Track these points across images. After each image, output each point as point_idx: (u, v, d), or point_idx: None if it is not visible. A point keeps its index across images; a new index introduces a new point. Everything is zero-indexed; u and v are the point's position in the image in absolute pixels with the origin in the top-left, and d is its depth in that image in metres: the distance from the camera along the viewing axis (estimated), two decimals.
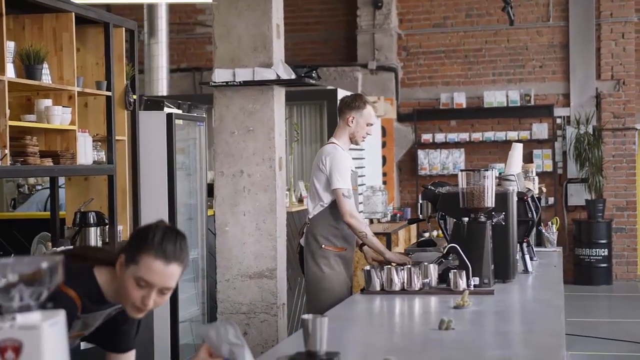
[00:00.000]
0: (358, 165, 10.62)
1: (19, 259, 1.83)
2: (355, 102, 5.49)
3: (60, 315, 1.84)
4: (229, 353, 2.70)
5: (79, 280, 2.72)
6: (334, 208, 5.36)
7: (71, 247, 4.76)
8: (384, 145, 12.91)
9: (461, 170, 4.62)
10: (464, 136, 13.33)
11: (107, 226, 5.79)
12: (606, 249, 12.76)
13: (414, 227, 11.71)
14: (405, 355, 2.94)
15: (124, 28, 6.11)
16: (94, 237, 5.62)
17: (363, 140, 5.60)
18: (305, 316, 2.81)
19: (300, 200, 8.42)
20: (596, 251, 12.74)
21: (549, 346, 3.14)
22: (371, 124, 5.53)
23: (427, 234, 12.64)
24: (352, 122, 5.46)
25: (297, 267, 7.52)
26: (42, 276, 1.81)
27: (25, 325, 1.78)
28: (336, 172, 5.30)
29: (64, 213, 6.02)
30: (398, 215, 11.27)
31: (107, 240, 5.81)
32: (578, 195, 13.11)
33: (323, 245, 5.38)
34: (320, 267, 5.37)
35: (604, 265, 12.78)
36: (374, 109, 5.61)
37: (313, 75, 6.35)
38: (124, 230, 6.07)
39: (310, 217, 5.48)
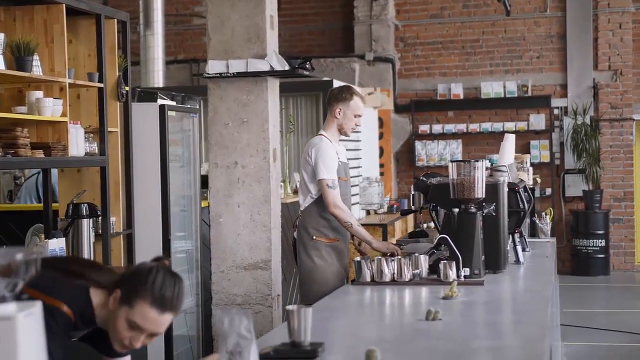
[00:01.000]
0: (354, 157, 10.63)
1: None
2: (342, 93, 5.50)
3: (36, 307, 1.84)
4: (234, 345, 2.71)
5: (76, 300, 2.71)
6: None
7: (65, 257, 4.61)
8: (381, 136, 12.91)
9: (452, 161, 4.62)
10: (462, 127, 13.33)
11: (99, 218, 5.79)
12: (603, 240, 12.77)
13: (410, 218, 11.72)
14: (390, 345, 2.95)
15: (115, 19, 6.10)
16: (87, 228, 5.62)
17: (353, 131, 5.61)
18: (290, 307, 2.82)
19: (296, 192, 8.42)
20: (593, 242, 12.75)
21: (533, 336, 3.15)
22: (359, 115, 5.52)
23: (424, 225, 12.65)
24: (339, 114, 5.47)
25: (292, 259, 7.54)
26: (17, 268, 1.82)
27: (0, 316, 1.78)
28: (320, 163, 5.32)
29: (57, 205, 6.02)
30: (395, 206, 11.27)
31: (99, 232, 5.81)
32: (575, 186, 13.11)
33: (314, 237, 5.40)
34: (312, 259, 5.38)
35: (602, 256, 12.79)
36: (362, 100, 5.59)
37: (307, 66, 6.35)
38: (116, 222, 6.08)
39: (302, 209, 5.50)
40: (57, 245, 5.02)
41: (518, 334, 3.28)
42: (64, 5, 5.38)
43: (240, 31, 6.09)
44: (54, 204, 6.00)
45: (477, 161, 4.57)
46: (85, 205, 5.64)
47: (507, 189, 4.96)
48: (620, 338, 8.68)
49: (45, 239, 5.45)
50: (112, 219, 5.95)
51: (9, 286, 1.81)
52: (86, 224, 5.62)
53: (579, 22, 13.10)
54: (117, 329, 2.69)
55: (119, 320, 2.67)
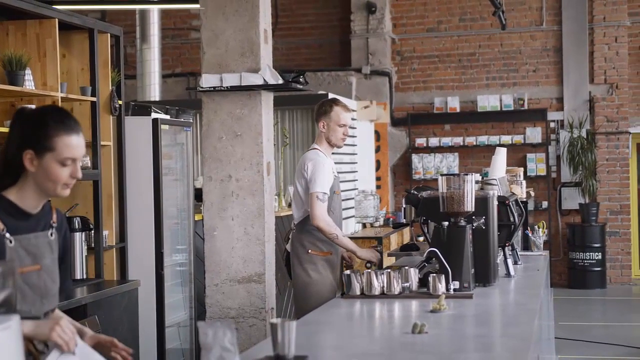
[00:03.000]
0: (350, 170, 10.66)
1: None
2: (322, 107, 5.66)
3: (14, 320, 1.85)
4: (217, 357, 2.72)
5: None
6: None
7: None
8: (378, 149, 12.94)
9: (441, 175, 4.64)
10: (458, 140, 13.35)
11: (92, 231, 5.80)
12: (600, 253, 12.77)
13: (407, 231, 11.72)
14: (375, 358, 2.95)
15: (109, 34, 6.13)
16: (79, 242, 5.63)
17: (343, 141, 5.66)
18: (273, 320, 2.83)
19: (290, 205, 8.42)
20: (590, 255, 12.75)
21: (516, 349, 3.16)
22: (343, 125, 5.59)
23: (421, 238, 12.65)
24: (324, 127, 5.60)
25: (286, 272, 7.55)
26: None
27: None
28: (315, 177, 5.40)
29: None
30: (391, 219, 11.27)
31: (92, 245, 5.82)
32: (572, 199, 13.12)
33: (310, 251, 5.43)
34: (307, 273, 5.40)
35: (598, 269, 12.79)
36: (345, 109, 5.66)
37: (300, 80, 6.36)
38: (109, 235, 6.09)
39: (296, 222, 5.55)
40: None
41: (503, 347, 3.28)
42: (57, 19, 5.41)
43: (234, 45, 6.11)
44: None
45: (467, 174, 4.59)
46: (78, 218, 5.66)
47: (498, 202, 4.97)
48: (617, 351, 8.67)
49: None
50: (105, 233, 5.97)
51: None
52: (78, 238, 5.63)
53: (575, 35, 13.14)
54: (53, 177, 2.77)
55: (51, 169, 2.77)
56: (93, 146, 5.84)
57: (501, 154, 5.76)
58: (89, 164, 5.81)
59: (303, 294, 5.39)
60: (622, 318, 10.81)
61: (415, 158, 13.47)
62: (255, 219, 6.08)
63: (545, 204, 13.08)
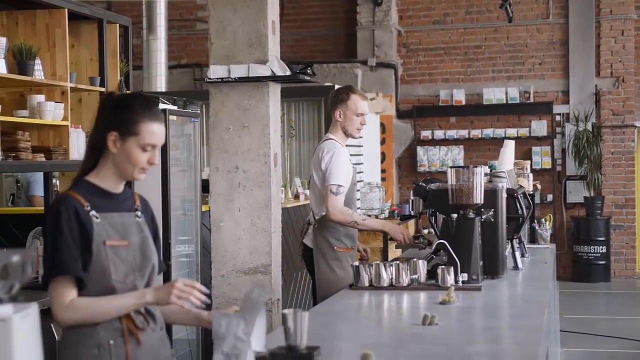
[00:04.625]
0: (356, 162, 10.65)
1: None
2: (339, 95, 5.48)
3: (32, 308, 1.86)
4: (231, 347, 2.73)
5: (74, 187, 2.97)
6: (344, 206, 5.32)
7: None
8: (383, 141, 12.94)
9: (450, 167, 4.63)
10: (463, 133, 13.35)
11: None
12: (604, 246, 12.77)
13: (412, 223, 11.72)
14: (385, 350, 2.96)
15: (117, 24, 6.13)
16: None
17: (359, 132, 5.51)
18: (286, 311, 2.83)
19: (297, 197, 8.44)
20: (594, 248, 12.75)
21: (528, 341, 3.16)
22: (361, 114, 5.44)
23: (425, 231, 12.65)
24: (340, 116, 5.44)
25: (292, 264, 7.56)
26: (13, 270, 1.84)
27: None
28: (333, 168, 5.26)
29: None
30: (396, 211, 11.26)
31: None
32: (577, 193, 13.12)
33: (335, 247, 5.33)
34: (332, 269, 5.29)
35: (602, 262, 12.79)
36: (363, 98, 5.50)
37: (308, 71, 6.35)
38: None
39: (317, 217, 5.40)
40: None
41: (513, 339, 3.29)
42: (66, 10, 5.41)
43: (242, 36, 6.11)
44: None
45: (476, 167, 4.58)
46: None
47: (506, 195, 4.97)
48: (621, 344, 8.68)
49: None
50: None
51: (5, 288, 1.83)
52: None
53: (581, 29, 13.12)
54: (133, 160, 2.93)
55: (132, 152, 2.92)
56: None
57: (509, 147, 5.76)
58: None
59: (328, 290, 5.25)
60: (626, 311, 10.83)
61: (420, 150, 13.47)
62: (262, 211, 6.08)
63: (550, 197, 13.08)
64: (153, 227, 3.14)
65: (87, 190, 2.95)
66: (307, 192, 8.65)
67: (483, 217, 4.62)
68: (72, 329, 2.92)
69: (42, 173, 6.15)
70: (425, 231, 11.73)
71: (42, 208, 6.16)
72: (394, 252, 9.23)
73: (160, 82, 10.67)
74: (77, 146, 5.47)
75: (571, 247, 13.06)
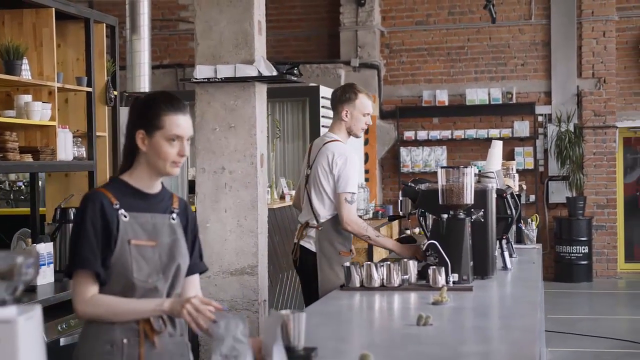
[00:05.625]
0: None
1: None
2: (346, 93, 5.29)
3: (36, 310, 1.84)
4: (230, 348, 2.72)
5: (107, 184, 3.05)
6: None
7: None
8: (366, 142, 12.95)
9: (441, 167, 4.63)
10: (446, 134, 13.37)
11: None
12: (586, 246, 12.84)
13: (395, 224, 11.74)
14: (382, 350, 2.96)
15: (104, 24, 6.10)
16: None
17: (363, 131, 5.40)
18: (284, 312, 2.82)
19: (282, 197, 8.43)
20: (577, 248, 12.82)
21: (523, 341, 3.17)
22: (367, 114, 5.30)
23: (407, 231, 12.67)
24: (346, 115, 5.27)
25: (277, 265, 7.54)
26: (18, 271, 1.82)
27: (1, 319, 1.78)
28: (345, 175, 5.11)
29: (44, 209, 6.00)
30: (380, 212, 11.28)
31: None
32: (559, 193, 13.18)
33: (341, 252, 5.21)
34: (337, 274, 5.10)
35: (585, 262, 12.86)
36: (368, 96, 5.35)
37: (294, 72, 6.35)
38: None
39: (322, 220, 5.22)
40: (45, 250, 4.99)
41: (508, 339, 3.29)
42: (54, 9, 5.37)
43: (229, 36, 6.10)
44: (41, 209, 5.98)
45: (466, 167, 4.59)
46: (73, 209, 5.62)
47: (496, 196, 4.98)
48: (604, 344, 8.73)
49: (32, 243, 5.42)
50: None
51: (9, 289, 1.81)
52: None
53: (563, 30, 13.19)
54: (162, 154, 2.96)
55: (160, 146, 2.96)
56: (89, 137, 5.81)
57: (497, 147, 5.77)
58: (85, 155, 5.78)
59: None
60: (609, 311, 10.89)
61: (403, 151, 13.49)
62: (248, 211, 6.07)
63: (532, 198, 13.13)
64: (192, 229, 3.16)
65: (119, 189, 2.99)
66: (292, 192, 8.65)
67: (473, 217, 4.62)
68: (92, 324, 2.96)
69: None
70: (408, 231, 11.76)
71: (27, 209, 6.11)
72: (379, 253, 9.24)
73: (143, 82, 10.61)
74: (65, 147, 5.43)
75: (554, 247, 13.11)
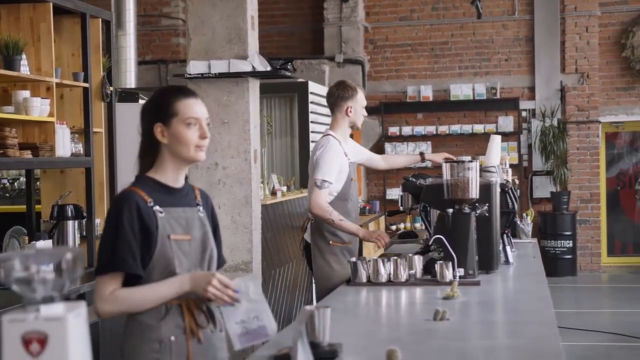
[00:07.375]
0: None
1: (41, 250, 1.80)
2: (346, 91, 5.48)
3: (83, 307, 1.81)
4: (246, 313, 2.71)
5: (137, 183, 3.00)
6: (339, 201, 5.30)
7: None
8: (350, 137, 12.90)
9: (445, 162, 4.62)
10: (431, 129, 13.38)
11: (84, 219, 5.71)
12: (571, 241, 12.91)
13: (382, 219, 11.75)
14: (406, 345, 2.94)
15: (100, 19, 6.04)
16: (72, 230, 5.54)
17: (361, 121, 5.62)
18: (309, 307, 2.80)
19: (274, 193, 8.40)
20: (561, 243, 12.88)
21: (546, 336, 3.17)
22: (364, 106, 5.60)
23: (394, 227, 12.69)
24: (350, 111, 5.47)
25: (270, 261, 7.51)
26: (66, 267, 1.79)
27: (50, 316, 1.76)
28: (321, 163, 5.25)
29: (40, 207, 5.93)
30: (367, 208, 11.29)
31: (84, 233, 5.74)
32: (543, 188, 13.24)
33: (331, 242, 5.33)
34: (329, 264, 5.29)
35: (569, 256, 12.93)
36: (361, 89, 5.64)
37: (288, 67, 6.33)
38: (101, 224, 6.00)
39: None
40: (44, 247, 4.94)
41: (529, 333, 3.28)
42: (51, 4, 5.31)
43: (221, 31, 6.07)
44: (36, 206, 5.91)
45: (471, 161, 4.58)
46: (71, 206, 5.57)
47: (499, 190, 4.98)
48: (588, 337, 8.79)
49: (30, 241, 5.37)
50: (97, 221, 5.89)
51: (57, 286, 1.78)
52: (71, 226, 5.55)
53: (546, 25, 13.24)
54: (184, 139, 2.95)
55: (179, 132, 2.95)
56: (85, 133, 5.74)
57: (496, 142, 5.78)
58: (82, 151, 5.72)
59: (326, 285, 5.22)
60: (593, 305, 10.96)
61: (388, 147, 13.49)
62: (242, 207, 6.05)
63: (517, 193, 13.15)
64: (213, 221, 3.16)
65: (149, 185, 2.97)
66: (284, 188, 8.63)
67: (478, 211, 4.61)
68: (134, 322, 2.93)
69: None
70: (394, 227, 11.75)
71: (23, 207, 6.04)
72: (368, 250, 9.24)
73: (130, 78, 10.54)
74: (63, 143, 5.37)
75: (538, 241, 13.13)
